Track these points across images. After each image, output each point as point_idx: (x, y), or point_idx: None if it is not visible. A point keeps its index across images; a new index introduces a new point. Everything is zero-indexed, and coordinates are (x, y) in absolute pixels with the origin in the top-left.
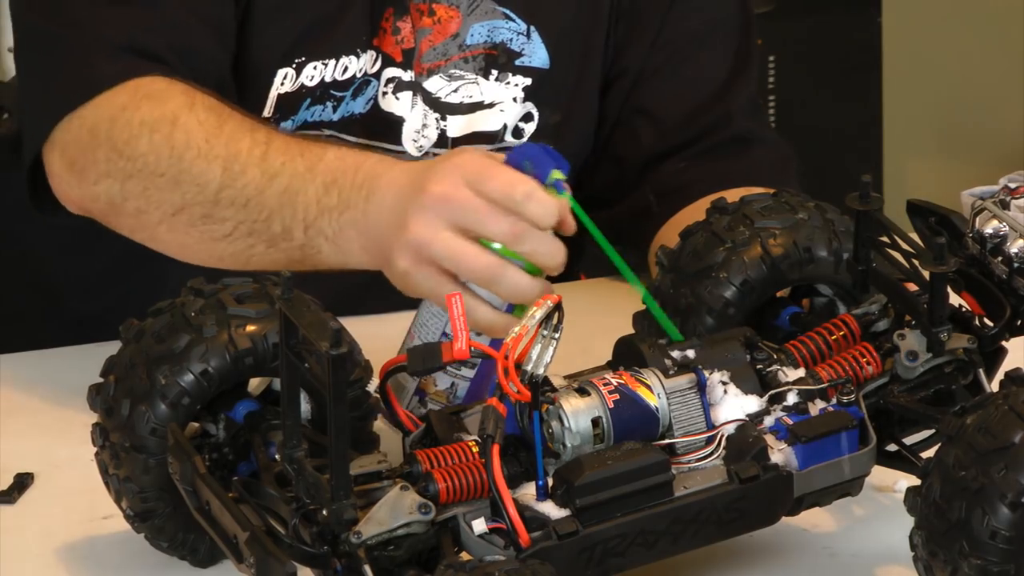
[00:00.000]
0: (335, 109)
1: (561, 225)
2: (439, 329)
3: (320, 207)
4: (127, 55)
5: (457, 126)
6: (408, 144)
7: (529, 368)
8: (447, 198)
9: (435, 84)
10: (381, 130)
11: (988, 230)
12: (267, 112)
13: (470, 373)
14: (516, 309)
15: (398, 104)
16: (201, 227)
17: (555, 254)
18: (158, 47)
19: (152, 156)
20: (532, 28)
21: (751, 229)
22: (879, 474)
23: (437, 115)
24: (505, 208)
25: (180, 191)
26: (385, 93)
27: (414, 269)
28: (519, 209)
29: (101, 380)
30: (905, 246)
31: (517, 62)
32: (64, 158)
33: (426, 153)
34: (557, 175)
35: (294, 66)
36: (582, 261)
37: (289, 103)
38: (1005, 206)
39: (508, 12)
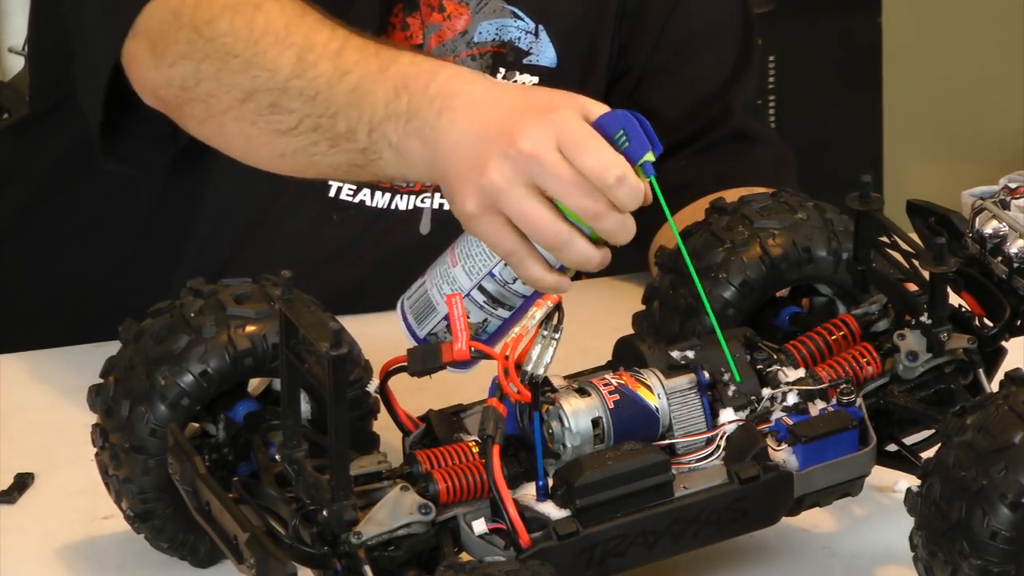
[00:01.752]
0: None
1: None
2: (486, 267)
3: (388, 111)
4: None
5: None
6: None
7: (529, 368)
8: (536, 158)
9: None
10: None
11: (988, 230)
12: None
13: (506, 314)
14: (566, 269)
15: None
16: (268, 116)
17: (627, 231)
18: None
19: (230, 37)
20: (540, 27)
21: (750, 229)
22: (879, 474)
23: None
24: (593, 186)
25: (251, 74)
26: None
27: (482, 214)
28: (608, 191)
29: (101, 381)
30: (905, 246)
31: (525, 61)
32: (145, 40)
33: None
34: (649, 157)
35: None
36: None
37: None
38: (1005, 206)
39: (517, 11)
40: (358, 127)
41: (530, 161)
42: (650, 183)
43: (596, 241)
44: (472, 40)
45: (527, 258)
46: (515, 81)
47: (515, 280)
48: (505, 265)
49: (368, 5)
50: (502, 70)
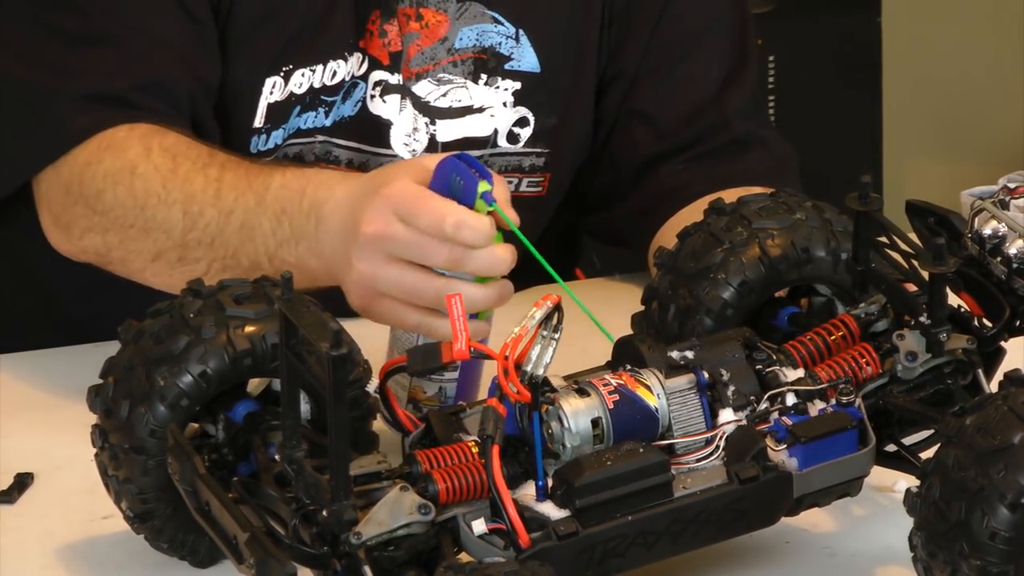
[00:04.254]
0: (327, 114)
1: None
2: (411, 341)
3: (277, 239)
4: (94, 105)
5: (447, 131)
6: (399, 147)
7: (529, 369)
8: (381, 236)
9: (424, 88)
10: (370, 133)
11: (987, 230)
12: (258, 122)
13: (454, 374)
14: (480, 315)
15: (385, 107)
16: (180, 268)
17: (500, 263)
18: (125, 89)
19: (119, 209)
20: (521, 32)
21: (749, 230)
22: (878, 474)
23: (427, 119)
24: (440, 239)
25: (151, 238)
26: (373, 96)
27: (370, 304)
28: (454, 238)
29: (100, 381)
30: (904, 247)
31: (506, 66)
32: (51, 214)
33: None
34: (484, 187)
35: (281, 75)
36: (580, 260)
37: (279, 112)
38: (1004, 206)
39: (497, 16)
40: (259, 259)
41: (378, 241)
42: (494, 210)
43: (485, 281)
44: (453, 47)
45: (434, 322)
46: (497, 87)
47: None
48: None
49: (345, 13)
50: (484, 76)
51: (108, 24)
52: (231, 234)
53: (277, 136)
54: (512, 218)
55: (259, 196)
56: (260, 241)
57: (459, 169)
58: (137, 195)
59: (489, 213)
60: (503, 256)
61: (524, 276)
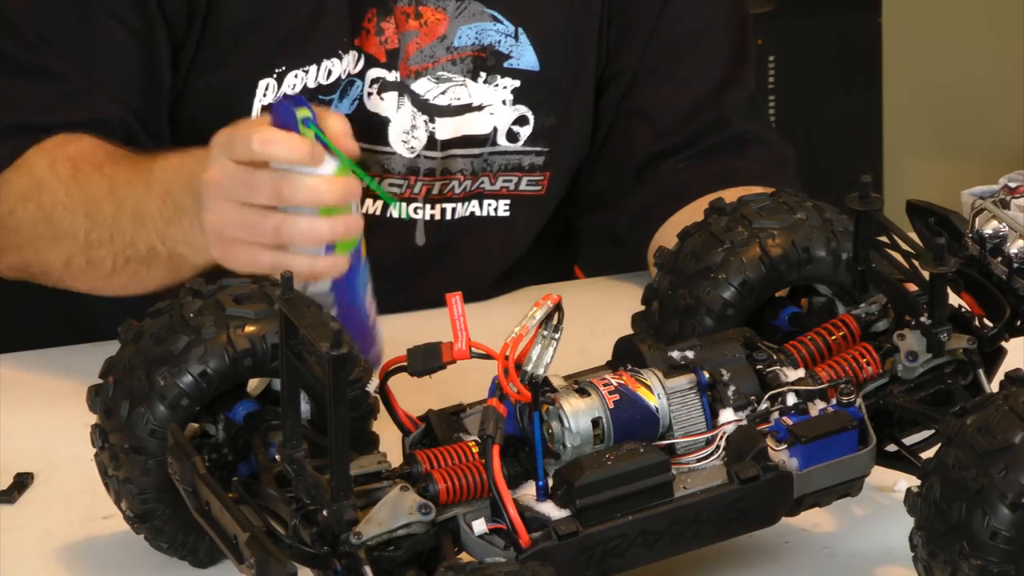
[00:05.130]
0: None
1: (339, 146)
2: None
3: (164, 219)
4: (16, 135)
5: (446, 128)
6: (397, 145)
7: (529, 368)
8: (216, 181)
9: (423, 86)
10: (368, 131)
11: (988, 230)
12: None
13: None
14: (337, 247)
15: (383, 105)
16: (89, 271)
17: (327, 188)
18: (50, 124)
19: (30, 223)
20: (520, 30)
21: (749, 230)
22: (879, 474)
23: (426, 117)
24: (257, 165)
25: (61, 246)
26: (370, 94)
27: (226, 254)
28: (267, 156)
29: (100, 381)
30: (905, 246)
31: (505, 64)
32: None
33: (417, 155)
34: (303, 112)
35: (274, 76)
36: (580, 258)
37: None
38: (1005, 206)
39: (496, 14)
40: (154, 243)
41: (214, 187)
42: (314, 133)
43: (330, 213)
44: (452, 45)
45: (287, 259)
46: (496, 85)
47: (304, 284)
48: None
49: (338, 13)
50: (483, 74)
51: (52, 60)
52: (126, 224)
53: None
54: (347, 149)
55: (146, 181)
56: (151, 224)
57: (282, 107)
58: (45, 207)
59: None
60: (330, 185)
61: (524, 275)
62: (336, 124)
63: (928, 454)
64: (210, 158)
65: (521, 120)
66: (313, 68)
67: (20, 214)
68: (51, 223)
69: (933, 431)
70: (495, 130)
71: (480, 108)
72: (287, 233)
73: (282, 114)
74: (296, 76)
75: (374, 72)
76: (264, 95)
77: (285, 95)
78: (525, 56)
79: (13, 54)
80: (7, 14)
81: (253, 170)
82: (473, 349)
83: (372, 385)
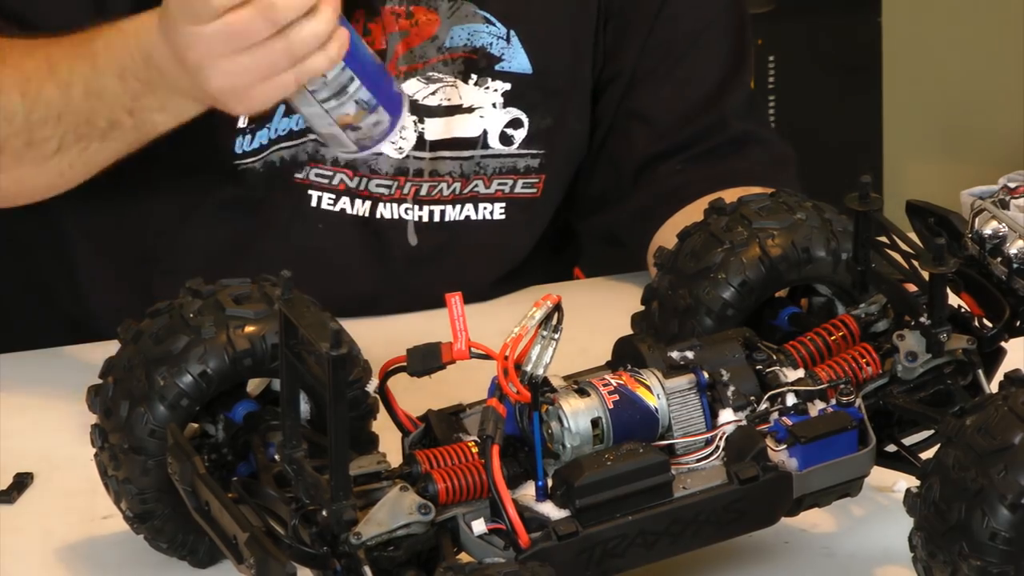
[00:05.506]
0: None
1: None
2: (306, 94)
3: (130, 95)
4: None
5: (435, 129)
6: (385, 145)
7: (529, 368)
8: (203, 52)
9: (412, 86)
10: None
11: (987, 231)
12: (242, 123)
13: (358, 84)
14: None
15: None
16: (29, 152)
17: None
18: None
19: None
20: (512, 32)
21: (749, 230)
22: (878, 475)
23: (415, 117)
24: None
25: None
26: None
27: (251, 102)
28: None
29: (100, 381)
30: (904, 247)
31: (497, 67)
32: None
33: (406, 156)
34: None
35: None
36: (580, 258)
37: (262, 113)
38: (1005, 206)
39: (488, 16)
40: (116, 115)
41: (206, 56)
42: None
43: None
44: (443, 46)
45: (307, 67)
46: (487, 88)
47: (323, 78)
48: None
49: None
50: (474, 76)
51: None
52: (78, 103)
53: (262, 136)
54: None
55: (91, 62)
56: (112, 101)
57: None
58: None
59: None
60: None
61: (524, 276)
62: None
63: (927, 454)
64: (180, 35)
65: (515, 123)
66: None
67: None
68: None
69: (933, 431)
70: (485, 132)
71: (470, 110)
72: (299, 44)
73: None
74: None
75: None
76: None
77: None
78: (517, 59)
79: None
80: None
81: (232, 16)
82: (473, 349)
83: (371, 385)
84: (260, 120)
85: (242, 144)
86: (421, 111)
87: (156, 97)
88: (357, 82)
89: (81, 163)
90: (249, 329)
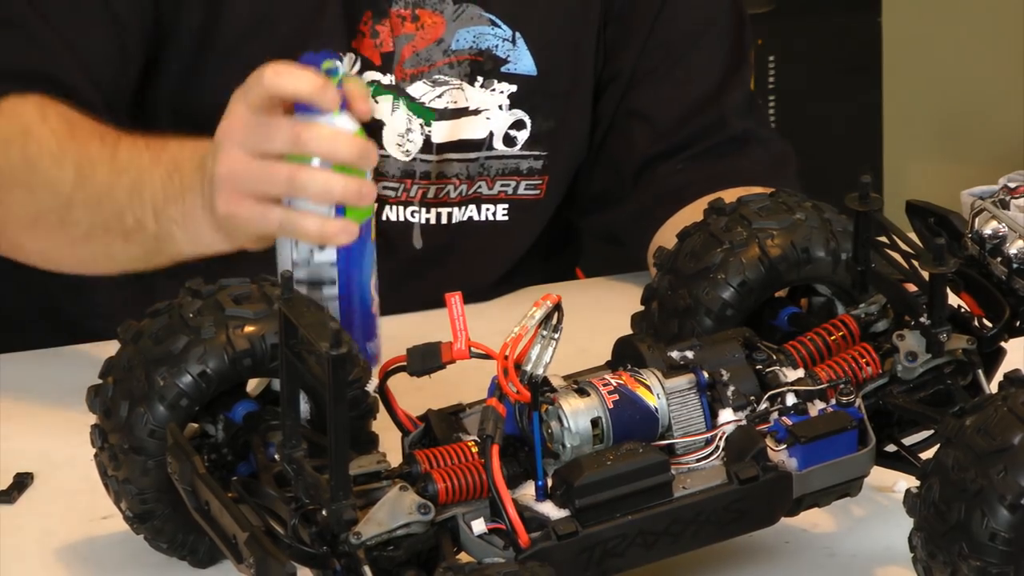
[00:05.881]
0: None
1: (354, 108)
2: (286, 257)
3: (166, 194)
4: None
5: (441, 132)
6: (392, 148)
7: (528, 368)
8: (228, 128)
9: (418, 89)
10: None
11: (987, 231)
12: None
13: (333, 291)
14: (347, 212)
15: (378, 108)
16: (59, 232)
17: (346, 141)
18: (21, 66)
19: (8, 170)
20: (517, 34)
21: (748, 230)
22: (878, 475)
23: (421, 120)
24: (275, 113)
25: (35, 198)
26: None
27: (234, 208)
28: (278, 88)
29: (100, 381)
30: (904, 247)
31: (503, 69)
32: None
33: (413, 159)
34: (328, 64)
35: None
36: (580, 258)
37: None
38: (1005, 206)
39: (494, 18)
40: (144, 216)
41: (228, 132)
42: (340, 78)
43: (343, 171)
44: (449, 48)
45: (296, 217)
46: (493, 90)
47: (311, 251)
48: (297, 244)
49: (335, 16)
50: (480, 78)
51: (25, 14)
52: (120, 192)
53: None
54: (362, 109)
55: (155, 155)
56: (148, 197)
57: (309, 56)
58: (30, 156)
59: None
60: (349, 139)
61: (524, 276)
62: (357, 84)
63: (927, 455)
64: (227, 111)
65: (518, 124)
66: None
67: (0, 159)
68: (33, 172)
69: (932, 431)
70: (491, 134)
71: (476, 112)
72: (301, 183)
73: (309, 62)
74: None
75: (369, 75)
76: None
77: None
78: (522, 61)
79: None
80: None
81: (270, 117)
82: (472, 349)
83: (371, 385)
84: None
85: None
86: (427, 114)
87: (183, 206)
88: (340, 296)
89: (104, 257)
90: (249, 329)
